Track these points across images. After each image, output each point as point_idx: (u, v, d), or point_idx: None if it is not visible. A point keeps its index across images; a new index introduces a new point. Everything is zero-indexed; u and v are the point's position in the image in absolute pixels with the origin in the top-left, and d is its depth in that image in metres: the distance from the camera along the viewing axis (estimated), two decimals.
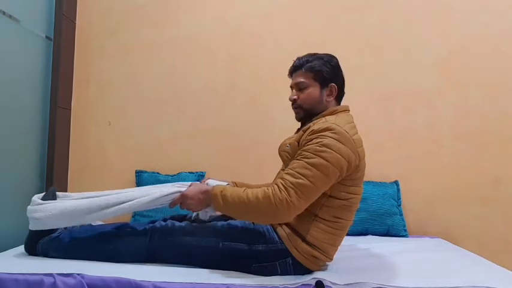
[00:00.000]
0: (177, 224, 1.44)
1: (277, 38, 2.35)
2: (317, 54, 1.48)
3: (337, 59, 1.50)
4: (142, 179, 2.24)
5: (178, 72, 2.39)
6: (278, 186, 1.25)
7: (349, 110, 1.49)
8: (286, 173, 1.28)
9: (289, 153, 1.41)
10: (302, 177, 1.24)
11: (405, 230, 2.13)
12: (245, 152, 2.32)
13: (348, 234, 2.07)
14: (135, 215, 2.18)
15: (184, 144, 2.35)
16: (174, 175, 2.28)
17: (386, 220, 2.11)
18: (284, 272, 1.34)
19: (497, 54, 2.30)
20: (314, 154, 1.26)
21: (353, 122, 1.43)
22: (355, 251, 1.71)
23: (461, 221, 2.25)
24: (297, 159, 1.30)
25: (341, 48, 2.33)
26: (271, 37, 2.35)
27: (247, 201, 1.26)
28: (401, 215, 2.16)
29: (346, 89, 2.38)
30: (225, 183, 1.54)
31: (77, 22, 2.40)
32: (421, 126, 2.30)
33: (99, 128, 2.38)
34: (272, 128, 2.30)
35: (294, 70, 1.49)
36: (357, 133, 1.38)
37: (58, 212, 1.36)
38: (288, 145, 1.43)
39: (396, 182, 2.24)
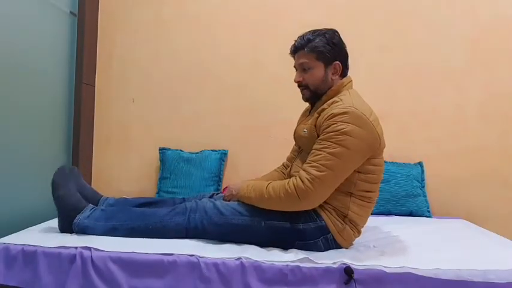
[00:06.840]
0: (217, 203, 1.42)
1: (302, 14, 2.29)
2: (318, 31, 1.44)
3: (339, 34, 1.46)
4: (166, 156, 2.26)
5: (202, 49, 2.36)
6: (302, 181, 1.28)
7: (352, 81, 1.48)
8: (310, 166, 1.30)
9: (307, 137, 1.43)
10: (326, 169, 1.27)
11: (429, 211, 2.12)
12: (268, 129, 2.31)
13: (371, 214, 2.09)
14: (160, 191, 2.22)
15: (207, 122, 2.35)
16: (198, 152, 2.29)
17: (409, 201, 2.10)
18: (327, 248, 1.37)
19: None
20: (336, 144, 1.28)
21: (361, 97, 1.43)
22: (379, 234, 1.70)
23: (484, 203, 2.22)
24: (319, 150, 1.30)
25: (366, 26, 2.28)
26: (295, 12, 2.30)
27: (268, 196, 1.33)
28: (425, 196, 2.15)
29: (372, 68, 2.32)
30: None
31: None
32: (448, 107, 2.25)
33: (123, 104, 2.39)
34: (295, 106, 2.25)
35: (296, 50, 1.47)
36: (372, 111, 1.38)
37: None
38: (304, 130, 1.45)
39: (420, 163, 2.22)
